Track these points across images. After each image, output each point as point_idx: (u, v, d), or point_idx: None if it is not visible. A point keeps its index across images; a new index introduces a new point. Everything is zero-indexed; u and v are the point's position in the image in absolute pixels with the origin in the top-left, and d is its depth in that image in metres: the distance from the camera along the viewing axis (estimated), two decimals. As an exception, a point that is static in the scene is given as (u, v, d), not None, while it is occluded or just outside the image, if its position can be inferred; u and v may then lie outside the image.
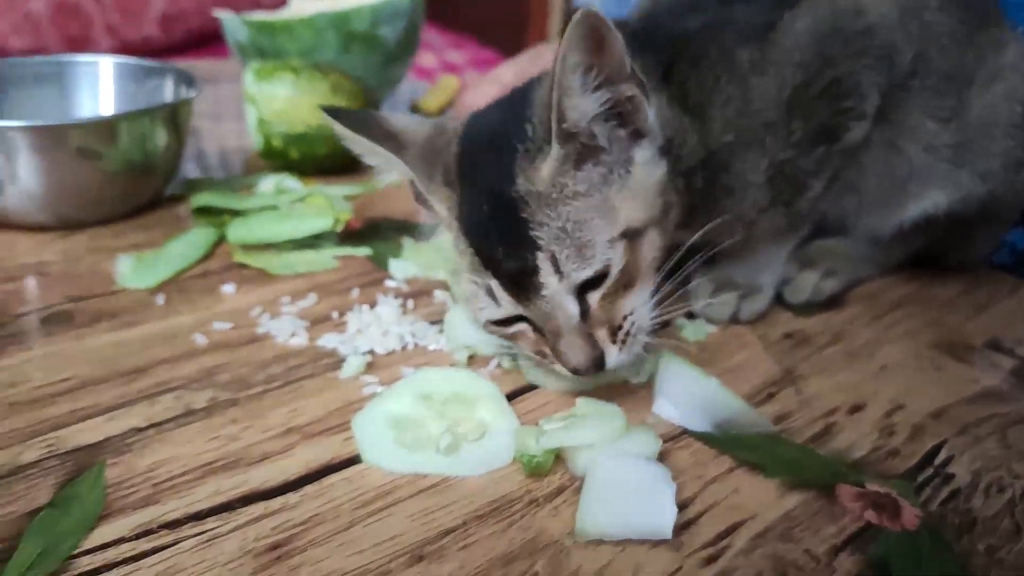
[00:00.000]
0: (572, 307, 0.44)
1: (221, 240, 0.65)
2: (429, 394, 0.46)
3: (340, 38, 0.87)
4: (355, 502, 0.39)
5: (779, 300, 0.61)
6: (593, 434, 0.42)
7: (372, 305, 0.57)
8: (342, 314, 0.56)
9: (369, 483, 0.40)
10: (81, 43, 2.28)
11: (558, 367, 0.45)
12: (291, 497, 0.39)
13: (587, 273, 0.43)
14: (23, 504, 0.38)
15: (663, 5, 0.59)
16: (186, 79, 0.73)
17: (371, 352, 0.51)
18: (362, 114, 0.52)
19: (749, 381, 0.51)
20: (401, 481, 0.41)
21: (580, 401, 0.46)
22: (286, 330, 0.53)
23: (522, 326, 0.47)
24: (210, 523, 0.37)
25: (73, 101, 0.75)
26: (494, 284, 0.45)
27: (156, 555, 0.35)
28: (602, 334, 0.45)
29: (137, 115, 0.64)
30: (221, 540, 0.36)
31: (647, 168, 0.46)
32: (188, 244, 0.62)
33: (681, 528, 0.38)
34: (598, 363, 0.44)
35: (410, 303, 0.57)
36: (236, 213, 0.67)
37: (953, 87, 0.57)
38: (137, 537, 0.36)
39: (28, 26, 2.19)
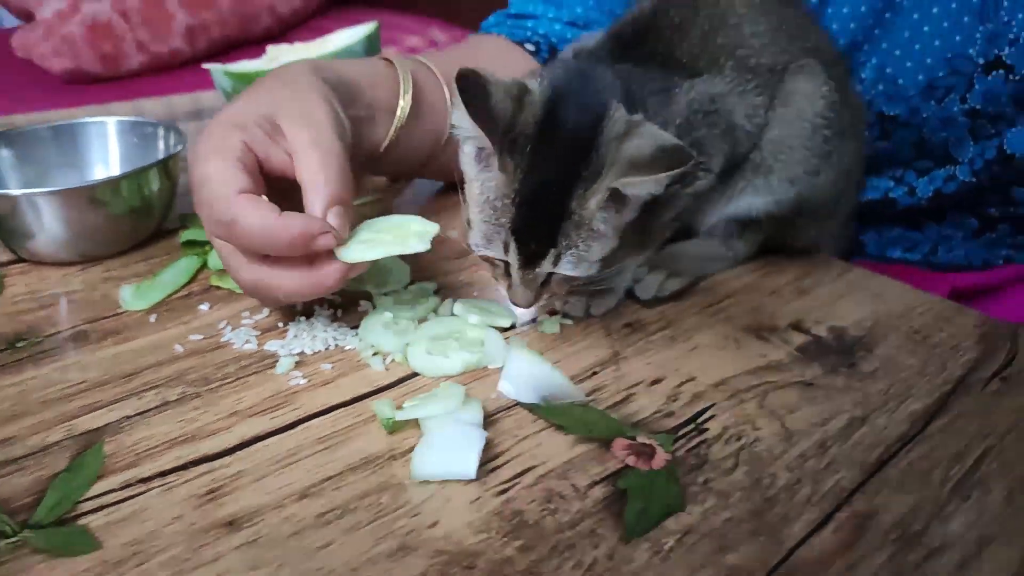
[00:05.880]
0: (541, 278, 0.64)
1: (203, 266, 0.83)
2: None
3: (307, 83, 1.04)
4: (269, 460, 0.57)
5: (631, 295, 0.77)
6: (436, 407, 0.59)
7: (310, 316, 0.74)
8: (285, 324, 0.73)
9: (283, 448, 0.58)
10: (114, 60, 2.49)
11: (503, 291, 0.67)
12: (227, 459, 0.57)
13: (572, 273, 0.63)
14: (48, 469, 0.56)
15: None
16: (176, 132, 0.91)
17: (301, 353, 0.69)
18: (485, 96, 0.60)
19: (581, 362, 0.68)
20: (305, 443, 0.59)
21: (442, 383, 0.63)
22: (242, 339, 0.71)
23: (499, 264, 0.65)
24: (170, 478, 0.55)
25: (86, 155, 0.94)
26: (511, 244, 0.62)
27: (133, 499, 0.54)
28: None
29: (134, 172, 0.82)
30: (176, 488, 0.54)
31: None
32: (177, 272, 0.81)
33: (488, 472, 0.55)
34: (529, 304, 0.66)
35: (339, 312, 0.75)
36: (215, 244, 0.85)
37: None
38: (122, 488, 0.55)
39: (66, 48, 2.41)
